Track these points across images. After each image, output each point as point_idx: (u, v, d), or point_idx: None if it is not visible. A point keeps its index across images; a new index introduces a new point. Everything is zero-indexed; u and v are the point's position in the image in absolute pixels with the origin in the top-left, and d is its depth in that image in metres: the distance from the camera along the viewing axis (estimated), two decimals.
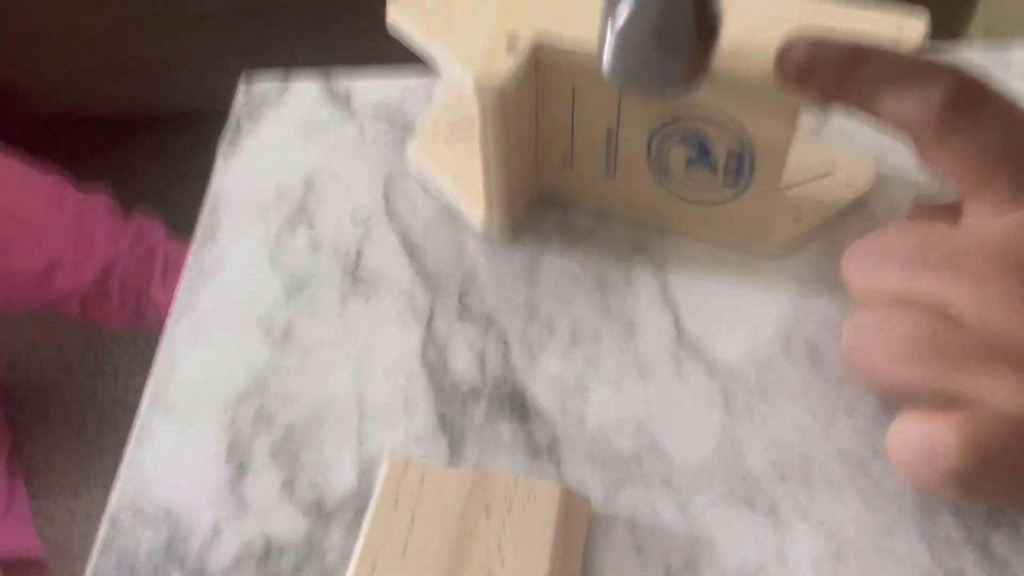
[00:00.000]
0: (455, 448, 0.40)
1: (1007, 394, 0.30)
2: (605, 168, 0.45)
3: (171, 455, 0.40)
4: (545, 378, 0.42)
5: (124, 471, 0.40)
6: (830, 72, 0.35)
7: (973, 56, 0.52)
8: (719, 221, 0.44)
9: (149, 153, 1.42)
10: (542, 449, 0.39)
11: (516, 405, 0.41)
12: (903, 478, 0.35)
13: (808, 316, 0.43)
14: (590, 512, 0.37)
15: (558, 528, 0.34)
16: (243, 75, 0.56)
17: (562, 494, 0.35)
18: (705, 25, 0.35)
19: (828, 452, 0.38)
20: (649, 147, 0.43)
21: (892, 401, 0.39)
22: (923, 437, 0.32)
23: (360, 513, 0.38)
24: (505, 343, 0.43)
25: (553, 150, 0.46)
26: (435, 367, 0.42)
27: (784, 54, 0.36)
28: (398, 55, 0.57)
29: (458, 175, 0.48)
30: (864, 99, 0.35)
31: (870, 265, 0.35)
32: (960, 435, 0.30)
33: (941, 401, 0.32)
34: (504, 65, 0.39)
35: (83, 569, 0.37)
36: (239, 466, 0.40)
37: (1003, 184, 0.33)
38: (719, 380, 0.41)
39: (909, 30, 0.37)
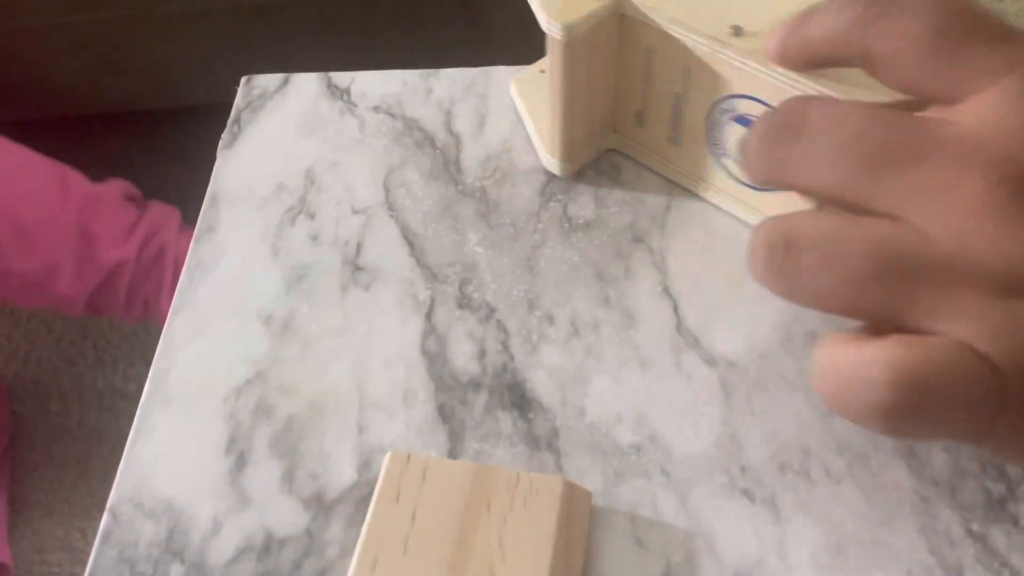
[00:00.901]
0: (455, 439, 0.40)
1: (969, 320, 0.25)
2: (670, 134, 0.45)
3: (171, 447, 0.40)
4: (545, 368, 0.42)
5: (124, 463, 0.40)
6: (792, 46, 0.34)
7: None
8: (763, 208, 0.44)
9: (152, 148, 1.42)
10: (542, 440, 0.39)
11: (516, 396, 0.41)
12: (834, 410, 0.32)
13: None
14: (592, 506, 0.37)
15: (560, 522, 0.34)
16: (244, 78, 0.56)
17: (564, 488, 0.35)
18: None
19: (828, 444, 0.38)
20: (708, 120, 0.43)
21: None
22: (852, 365, 0.26)
23: (360, 505, 0.38)
24: (505, 333, 0.43)
25: (628, 106, 0.46)
26: (435, 358, 0.42)
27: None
28: (398, 56, 0.57)
29: (538, 109, 0.49)
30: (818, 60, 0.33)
31: (815, 156, 0.28)
32: (891, 365, 0.25)
33: (890, 328, 0.27)
34: (581, 8, 0.40)
35: (82, 561, 0.37)
36: (239, 458, 0.40)
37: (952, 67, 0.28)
38: (719, 371, 0.41)
39: None
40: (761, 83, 0.39)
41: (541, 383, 0.41)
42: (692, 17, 0.40)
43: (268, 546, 0.37)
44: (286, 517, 0.38)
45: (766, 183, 0.30)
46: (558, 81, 0.43)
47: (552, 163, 0.48)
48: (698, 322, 0.43)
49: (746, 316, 0.43)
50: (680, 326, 0.43)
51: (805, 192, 0.29)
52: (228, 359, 0.43)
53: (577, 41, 0.41)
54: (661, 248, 0.45)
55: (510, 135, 0.51)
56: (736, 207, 0.46)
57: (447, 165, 0.50)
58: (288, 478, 0.39)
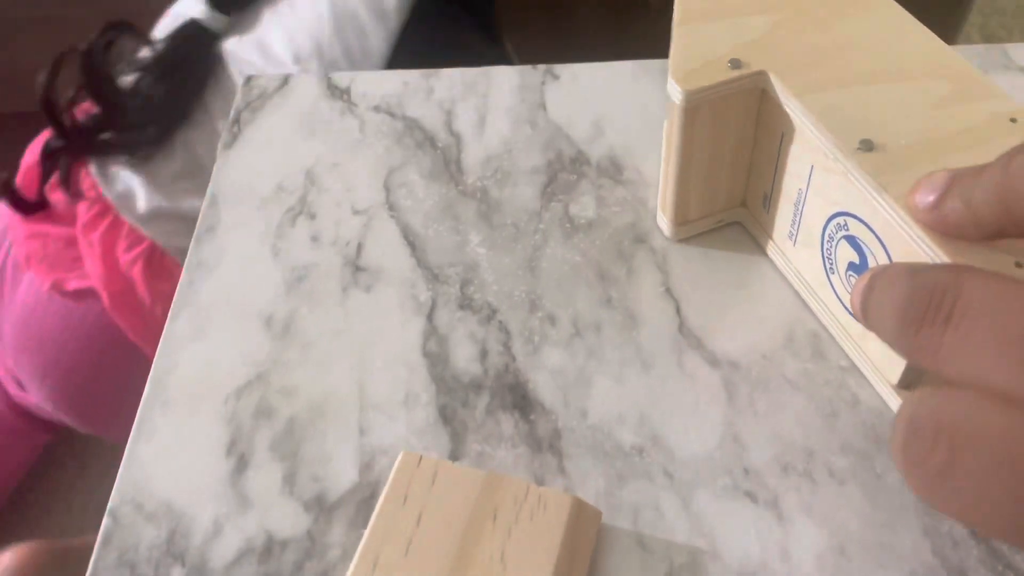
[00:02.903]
0: (457, 440, 0.40)
1: None
2: (790, 229, 0.42)
3: (172, 449, 0.40)
4: (547, 370, 0.41)
5: (124, 465, 0.40)
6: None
7: (972, 57, 0.52)
8: (863, 344, 0.40)
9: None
10: (544, 441, 0.39)
11: (518, 397, 0.41)
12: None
13: (811, 307, 0.42)
14: (600, 525, 0.37)
15: (565, 540, 0.34)
16: (244, 77, 0.56)
17: (572, 506, 0.35)
18: None
19: (831, 446, 0.38)
20: (824, 229, 0.39)
21: (896, 394, 0.39)
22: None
23: (361, 507, 0.38)
24: (507, 334, 0.43)
25: (759, 185, 0.43)
26: (436, 359, 0.42)
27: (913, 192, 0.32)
28: (399, 59, 0.57)
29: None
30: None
31: (972, 348, 0.23)
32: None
33: None
34: (710, 77, 0.38)
35: (78, 563, 0.37)
36: (240, 460, 0.40)
37: None
38: (721, 372, 0.41)
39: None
40: (874, 210, 0.34)
41: (543, 384, 0.41)
42: (827, 116, 0.36)
43: (269, 548, 0.37)
44: (287, 519, 0.38)
45: (910, 362, 0.27)
46: (673, 144, 0.41)
47: (663, 221, 0.46)
48: (700, 322, 0.43)
49: (748, 316, 0.42)
50: (682, 327, 0.42)
51: (959, 382, 0.23)
52: (229, 360, 0.43)
53: (698, 109, 0.39)
54: (663, 248, 0.45)
55: (511, 135, 0.51)
56: (843, 338, 0.41)
57: (448, 165, 0.50)
58: (289, 480, 0.39)
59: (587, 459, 0.39)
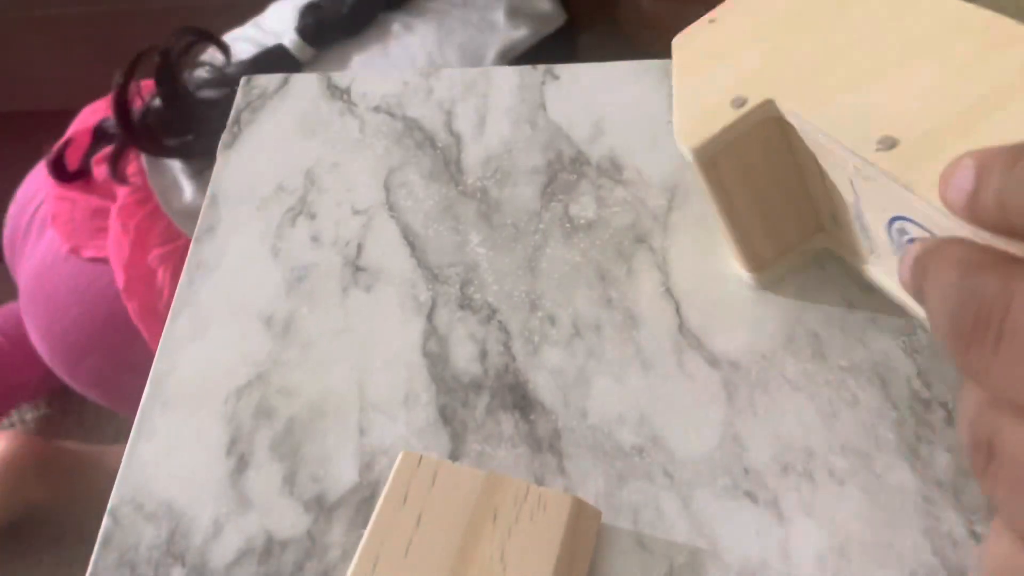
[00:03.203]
0: (457, 440, 0.40)
1: None
2: (865, 242, 0.39)
3: (172, 449, 0.40)
4: (547, 370, 0.41)
5: (124, 465, 0.40)
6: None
7: None
8: None
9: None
10: (544, 441, 0.39)
11: (518, 397, 0.41)
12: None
13: (811, 308, 0.42)
14: (600, 525, 0.37)
15: (565, 540, 0.34)
16: (244, 78, 0.56)
17: (572, 506, 0.35)
18: None
19: (831, 446, 0.38)
20: (890, 236, 0.36)
21: (896, 393, 0.39)
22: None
23: (361, 508, 0.38)
24: (507, 334, 0.43)
25: (823, 209, 0.41)
26: (436, 359, 0.42)
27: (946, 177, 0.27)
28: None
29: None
30: None
31: (1020, 373, 0.21)
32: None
33: None
34: (712, 124, 0.36)
35: (74, 561, 0.37)
36: (240, 460, 0.40)
37: None
38: (721, 372, 0.41)
39: None
40: (919, 210, 0.31)
41: (543, 384, 0.41)
42: (838, 124, 0.33)
43: (269, 548, 0.37)
44: (287, 519, 0.38)
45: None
46: (710, 198, 0.39)
47: (741, 272, 0.43)
48: (700, 323, 0.42)
49: (748, 316, 0.42)
50: (682, 327, 0.42)
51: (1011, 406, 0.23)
52: (229, 360, 0.43)
53: (715, 159, 0.37)
54: (663, 248, 0.45)
55: (511, 135, 0.51)
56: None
57: (448, 165, 0.50)
58: (289, 480, 0.39)
59: (587, 459, 0.39)
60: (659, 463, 0.38)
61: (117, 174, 0.91)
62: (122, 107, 0.87)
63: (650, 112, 0.51)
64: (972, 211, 0.26)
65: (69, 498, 1.26)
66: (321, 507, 0.38)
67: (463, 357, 0.42)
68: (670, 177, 0.48)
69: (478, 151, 0.50)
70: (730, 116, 0.36)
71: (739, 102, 0.36)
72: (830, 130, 0.34)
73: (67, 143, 0.97)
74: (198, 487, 0.39)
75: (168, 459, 0.40)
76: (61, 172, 0.95)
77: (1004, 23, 0.32)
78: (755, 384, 0.40)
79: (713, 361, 0.41)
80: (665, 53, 0.45)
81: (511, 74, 0.54)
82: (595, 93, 0.53)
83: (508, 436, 0.40)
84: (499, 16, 0.90)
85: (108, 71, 1.07)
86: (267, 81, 0.55)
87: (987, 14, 0.33)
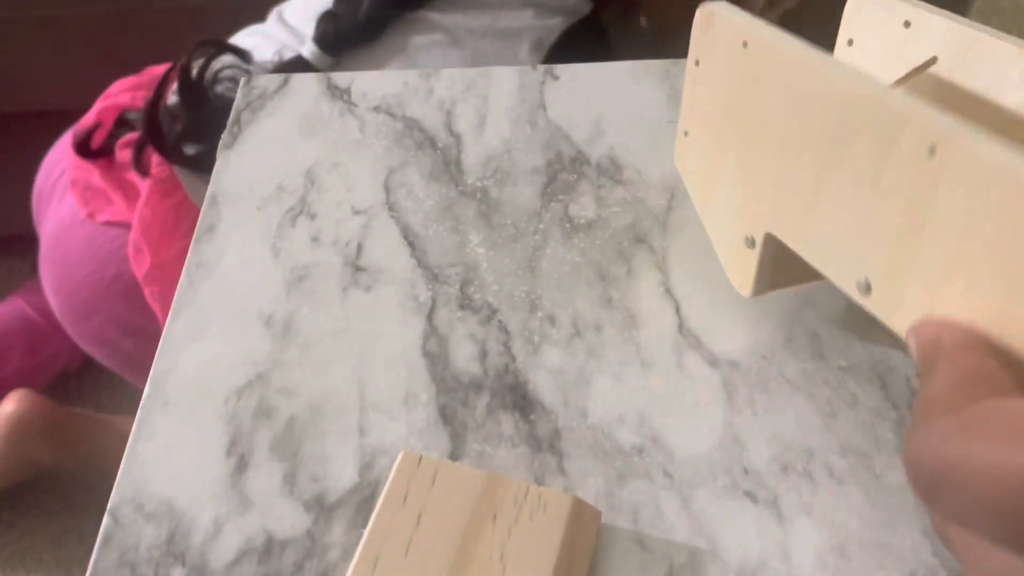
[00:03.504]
0: (457, 440, 0.40)
1: None
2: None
3: (172, 449, 0.40)
4: (547, 370, 0.42)
5: (124, 465, 0.40)
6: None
7: None
8: None
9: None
10: (543, 441, 0.39)
11: (518, 397, 0.41)
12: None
13: (811, 307, 0.43)
14: (600, 524, 0.37)
15: (565, 540, 0.34)
16: (243, 78, 0.56)
17: (573, 506, 0.35)
18: None
19: (830, 446, 0.38)
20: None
21: (895, 393, 0.39)
22: None
23: (361, 508, 0.38)
24: (507, 334, 0.43)
25: None
26: (436, 359, 0.42)
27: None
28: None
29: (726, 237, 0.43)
30: None
31: (967, 515, 0.21)
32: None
33: None
34: (748, 273, 0.39)
35: (85, 523, 0.37)
36: (240, 460, 0.40)
37: None
38: (721, 372, 0.41)
39: None
40: None
41: (543, 384, 0.41)
42: (826, 259, 0.34)
43: (269, 548, 0.37)
44: (287, 519, 0.38)
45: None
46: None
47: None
48: (700, 323, 0.43)
49: (748, 317, 0.43)
50: (682, 327, 0.42)
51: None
52: (229, 360, 0.43)
53: (766, 284, 0.40)
54: (663, 248, 0.45)
55: (511, 135, 0.51)
56: None
57: (448, 165, 0.50)
58: (289, 480, 0.39)
59: (587, 459, 0.39)
60: (659, 463, 0.38)
61: (140, 166, 0.93)
62: (153, 125, 0.89)
63: (650, 112, 0.52)
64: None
65: (77, 461, 1.28)
66: (321, 507, 0.38)
67: (463, 357, 0.42)
68: (670, 177, 0.48)
69: (478, 151, 0.50)
70: (751, 259, 0.39)
71: (750, 242, 0.39)
72: (819, 262, 0.34)
73: (96, 126, 0.99)
74: (198, 487, 0.39)
75: (168, 459, 0.40)
76: (85, 150, 0.97)
77: (880, 107, 0.30)
78: (755, 384, 0.40)
79: (713, 361, 0.41)
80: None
81: (511, 74, 0.54)
82: (595, 93, 0.53)
83: (508, 436, 0.40)
84: (526, 13, 0.90)
85: (109, 70, 1.07)
86: (267, 81, 0.55)
87: (864, 93, 0.31)
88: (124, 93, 1.02)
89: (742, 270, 0.40)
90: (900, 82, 0.42)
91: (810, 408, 0.39)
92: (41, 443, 1.25)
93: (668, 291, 0.44)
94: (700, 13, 0.40)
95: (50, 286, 1.03)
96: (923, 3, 0.41)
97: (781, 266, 0.39)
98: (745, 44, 0.37)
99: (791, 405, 0.39)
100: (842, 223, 0.33)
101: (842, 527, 0.36)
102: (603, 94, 0.53)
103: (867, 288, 0.32)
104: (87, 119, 1.00)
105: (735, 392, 0.40)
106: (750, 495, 0.37)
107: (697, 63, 0.41)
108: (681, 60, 0.54)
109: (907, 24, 0.41)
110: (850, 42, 0.43)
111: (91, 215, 0.96)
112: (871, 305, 0.32)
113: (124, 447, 0.40)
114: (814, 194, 0.34)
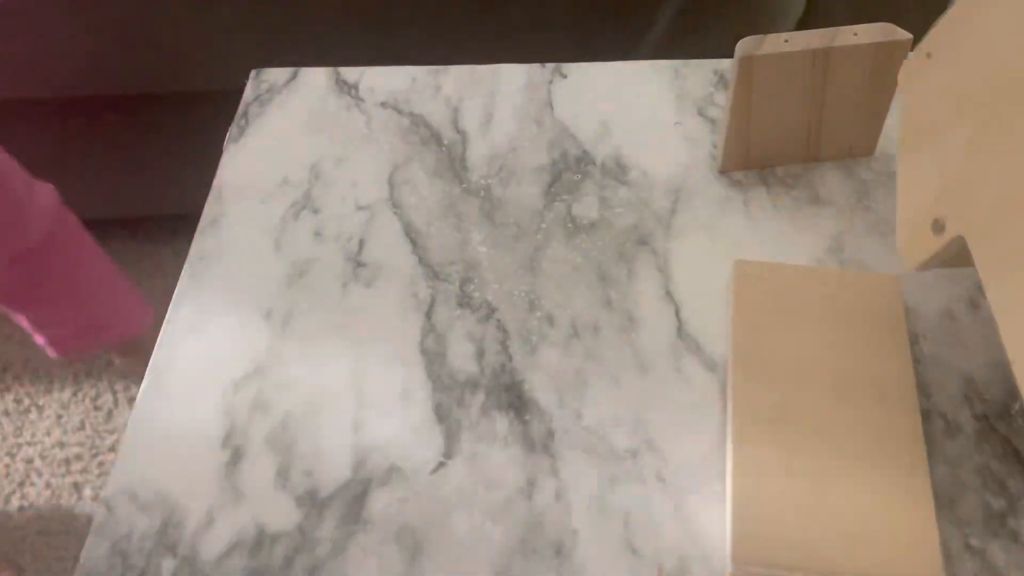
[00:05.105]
0: (451, 438, 0.39)
1: None
2: None
3: (168, 439, 0.40)
4: (544, 370, 0.41)
5: (120, 454, 0.40)
6: None
7: None
8: None
9: (160, 131, 1.41)
10: (537, 442, 0.39)
11: (513, 397, 0.41)
12: None
13: None
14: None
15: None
16: (253, 71, 0.56)
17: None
18: None
19: None
20: None
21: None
22: None
23: (352, 503, 0.38)
24: (505, 333, 0.43)
25: None
26: (434, 356, 0.42)
27: None
28: (409, 54, 0.57)
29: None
30: None
31: None
32: None
33: None
34: (923, 250, 0.38)
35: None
36: (235, 452, 0.40)
37: None
38: (719, 376, 0.41)
39: None
40: None
41: (539, 385, 0.41)
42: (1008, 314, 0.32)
43: (260, 541, 0.37)
44: (279, 513, 0.38)
45: None
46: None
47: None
48: (700, 326, 0.42)
49: None
50: (681, 330, 0.42)
51: None
52: (228, 353, 0.43)
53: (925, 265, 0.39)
54: (665, 251, 0.45)
55: (517, 133, 0.51)
56: None
57: (452, 163, 0.50)
58: (282, 474, 0.39)
59: (580, 461, 0.38)
60: (652, 466, 0.38)
61: None
62: None
63: (658, 113, 0.51)
64: None
65: None
66: (313, 502, 0.38)
67: (460, 355, 0.42)
68: (675, 179, 0.48)
69: (483, 149, 0.50)
70: (932, 243, 0.37)
71: (938, 227, 0.37)
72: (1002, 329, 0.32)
73: None
74: (192, 478, 0.39)
75: (164, 449, 0.40)
76: None
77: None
78: None
79: (711, 365, 0.41)
80: None
81: (519, 72, 0.54)
82: (603, 93, 0.53)
83: (502, 436, 0.39)
84: None
85: (125, 57, 1.06)
86: (276, 75, 0.55)
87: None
88: None
89: (917, 245, 0.38)
90: None
91: None
92: None
93: (669, 294, 0.43)
94: None
95: None
96: None
97: (955, 255, 0.38)
98: None
99: None
100: None
101: None
102: (611, 94, 0.52)
103: None
104: None
105: None
106: None
107: None
108: (691, 61, 0.54)
109: None
110: None
111: None
112: None
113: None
114: None
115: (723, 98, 0.51)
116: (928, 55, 0.40)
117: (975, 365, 0.40)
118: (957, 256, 0.36)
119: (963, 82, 0.37)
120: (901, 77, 0.41)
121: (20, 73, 1.23)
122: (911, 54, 0.41)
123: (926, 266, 0.38)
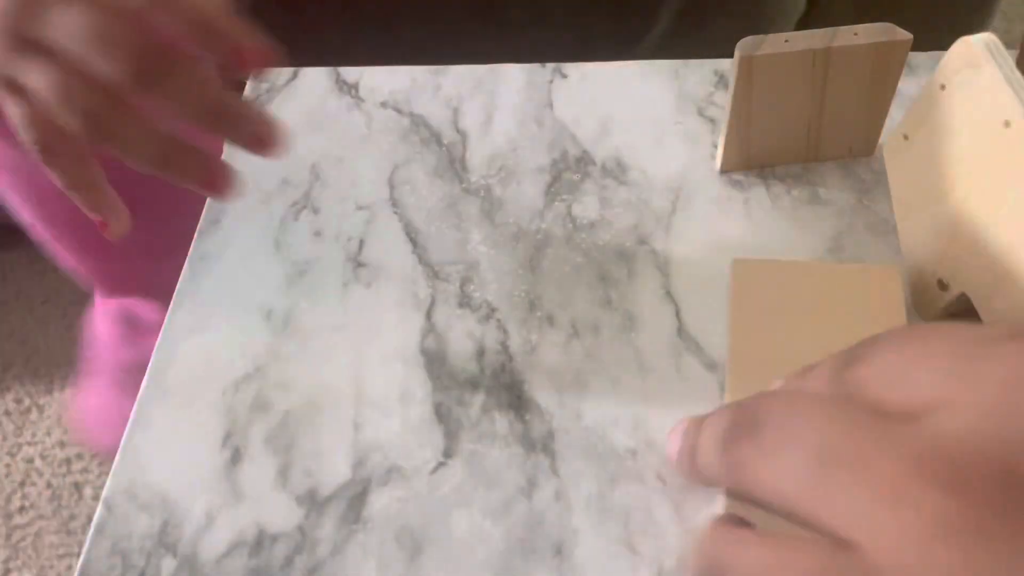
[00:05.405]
0: (451, 438, 0.40)
1: None
2: None
3: (168, 439, 0.40)
4: (544, 370, 0.41)
5: (120, 454, 0.40)
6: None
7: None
8: None
9: None
10: (537, 442, 0.39)
11: (513, 397, 0.41)
12: None
13: None
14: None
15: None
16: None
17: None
18: None
19: None
20: None
21: None
22: None
23: (353, 503, 0.38)
24: (505, 333, 0.43)
25: None
26: (434, 356, 0.42)
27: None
28: (410, 52, 0.57)
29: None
30: None
31: (769, 464, 0.26)
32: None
33: None
34: (933, 306, 0.41)
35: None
36: (235, 452, 0.40)
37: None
38: (719, 377, 0.41)
39: None
40: None
41: (539, 385, 0.41)
42: None
43: (260, 542, 0.37)
44: (279, 513, 0.38)
45: (717, 486, 0.31)
46: None
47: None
48: (700, 326, 0.42)
49: None
50: (681, 330, 0.42)
51: (759, 502, 0.27)
52: (227, 353, 0.43)
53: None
54: (665, 250, 0.45)
55: (517, 133, 0.51)
56: None
57: (452, 163, 0.50)
58: (283, 474, 0.39)
59: (580, 461, 0.39)
60: (652, 466, 0.38)
61: None
62: None
63: (657, 113, 0.51)
64: (682, 470, 0.33)
65: None
66: (313, 502, 0.38)
67: (460, 355, 0.42)
68: (675, 179, 0.48)
69: (483, 149, 0.50)
70: (939, 300, 0.40)
71: (943, 285, 0.40)
72: None
73: None
74: (192, 478, 0.39)
75: (164, 449, 0.40)
76: None
77: None
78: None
79: (711, 365, 0.41)
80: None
81: (519, 72, 0.54)
82: (603, 93, 0.53)
83: (502, 436, 0.40)
84: None
85: None
86: (275, 76, 0.55)
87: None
88: None
89: (927, 301, 0.41)
90: None
91: None
92: None
93: (669, 294, 0.44)
94: (961, 45, 0.39)
95: None
96: None
97: (967, 306, 0.40)
98: (1007, 124, 0.36)
99: None
100: None
101: None
102: (611, 94, 0.52)
103: None
104: None
105: None
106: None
107: (943, 87, 0.40)
108: (691, 61, 0.54)
109: None
110: None
111: None
112: None
113: None
114: None
115: (723, 98, 0.51)
116: (905, 136, 0.44)
117: None
118: (968, 308, 0.38)
119: (939, 162, 0.40)
120: (885, 155, 0.45)
121: None
122: (890, 136, 0.44)
123: (939, 319, 0.40)
